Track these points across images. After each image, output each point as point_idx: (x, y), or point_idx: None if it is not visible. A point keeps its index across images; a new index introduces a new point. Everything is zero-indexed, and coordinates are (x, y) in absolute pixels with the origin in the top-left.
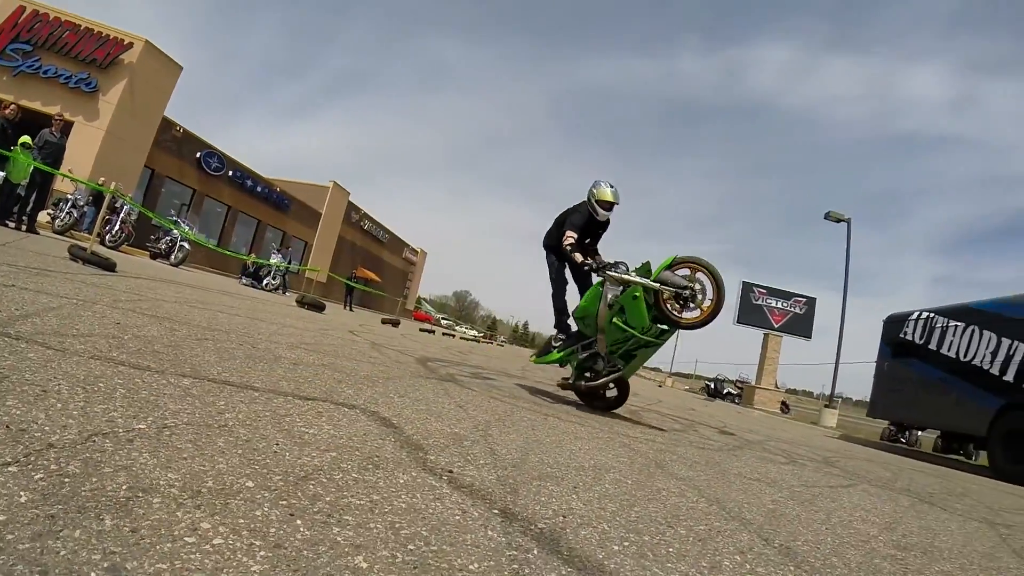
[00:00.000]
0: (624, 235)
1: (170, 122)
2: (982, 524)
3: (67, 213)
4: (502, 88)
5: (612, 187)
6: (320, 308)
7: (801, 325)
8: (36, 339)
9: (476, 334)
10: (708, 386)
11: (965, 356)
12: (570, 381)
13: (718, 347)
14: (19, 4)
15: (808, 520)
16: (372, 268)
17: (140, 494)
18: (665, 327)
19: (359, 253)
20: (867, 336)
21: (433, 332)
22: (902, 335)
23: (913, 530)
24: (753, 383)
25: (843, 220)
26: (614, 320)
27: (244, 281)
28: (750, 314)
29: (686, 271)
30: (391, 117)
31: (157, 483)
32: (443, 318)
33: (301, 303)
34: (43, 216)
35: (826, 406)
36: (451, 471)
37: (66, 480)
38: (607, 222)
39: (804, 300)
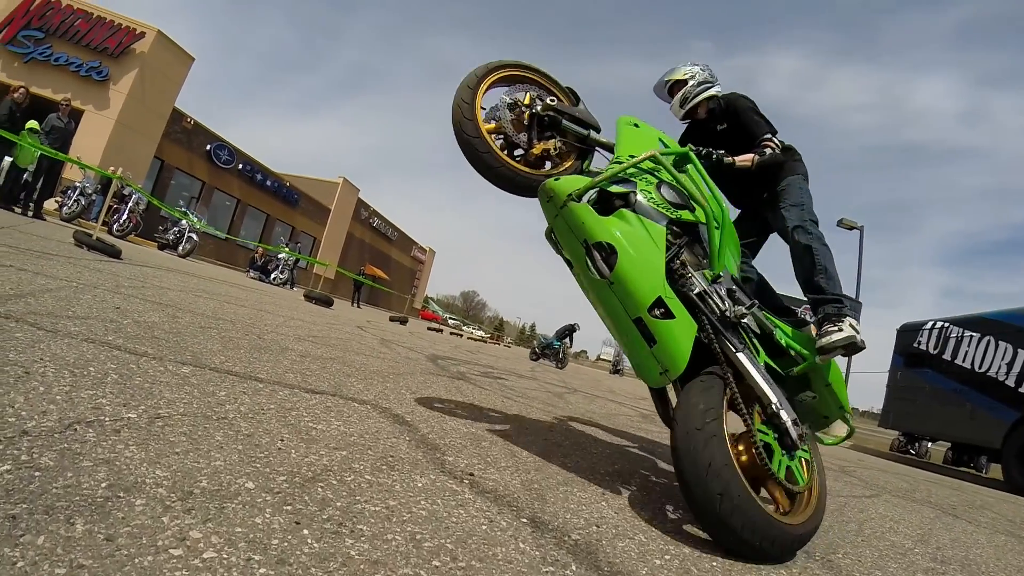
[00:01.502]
0: None
1: (180, 113)
2: (1009, 538)
3: (75, 201)
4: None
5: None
6: (328, 303)
7: None
8: (27, 319)
9: (483, 334)
10: None
11: (980, 367)
12: None
13: None
14: None
15: (842, 531)
16: (380, 266)
17: (121, 494)
18: None
19: (368, 250)
20: (874, 346)
21: (441, 331)
22: (916, 345)
23: (946, 543)
24: None
25: (855, 228)
26: None
27: (252, 274)
28: None
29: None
30: (400, 115)
31: (142, 481)
32: (450, 317)
33: (309, 297)
34: (51, 203)
35: None
36: (472, 474)
37: (36, 474)
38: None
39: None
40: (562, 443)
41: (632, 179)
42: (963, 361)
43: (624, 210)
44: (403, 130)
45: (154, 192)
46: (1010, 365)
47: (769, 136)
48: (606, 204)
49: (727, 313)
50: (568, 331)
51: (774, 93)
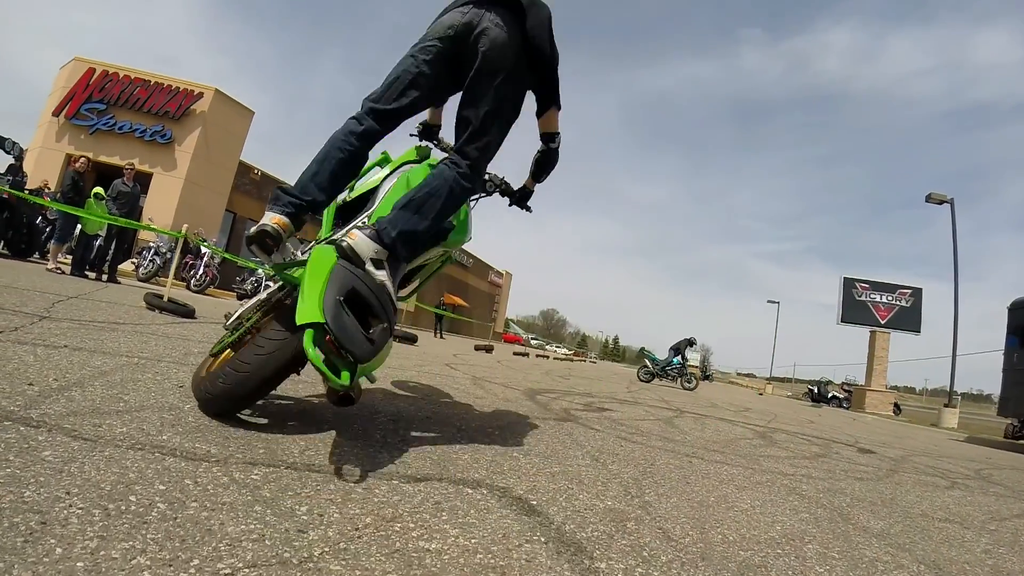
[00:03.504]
0: (702, 238)
1: (247, 166)
2: None
3: (150, 261)
4: (569, 103)
5: None
6: (412, 340)
7: (909, 318)
8: (63, 424)
9: (567, 352)
10: (811, 391)
11: None
12: None
13: (816, 350)
14: (88, 66)
15: None
16: (459, 294)
17: None
18: None
19: (444, 280)
20: (964, 324)
21: (527, 355)
22: None
23: None
24: (863, 385)
25: (945, 201)
26: None
27: None
28: (854, 311)
29: None
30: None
31: None
32: (532, 338)
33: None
34: (127, 265)
35: (945, 405)
36: None
37: None
38: None
39: (910, 291)
40: (706, 499)
41: None
42: None
43: None
44: None
45: (230, 243)
46: None
47: None
48: None
49: None
50: (687, 344)
51: (831, 71)
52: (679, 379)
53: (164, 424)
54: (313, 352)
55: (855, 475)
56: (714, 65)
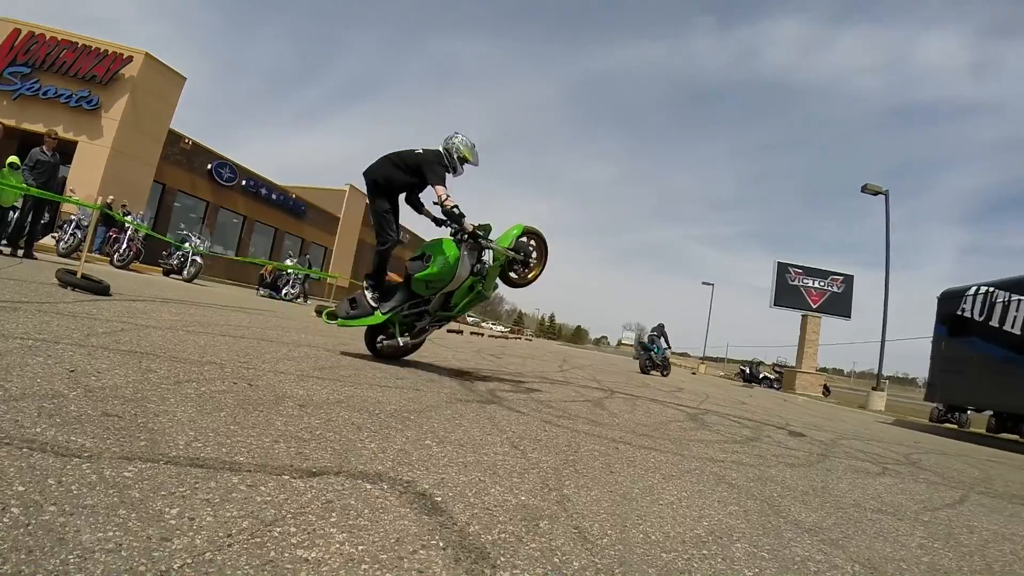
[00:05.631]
0: (641, 220)
1: (178, 135)
2: None
3: (71, 235)
4: (513, 84)
5: (474, 146)
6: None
7: (840, 304)
8: None
9: (503, 329)
10: (743, 371)
11: None
12: (385, 342)
13: (748, 330)
14: (14, 27)
15: (972, 573)
16: (396, 269)
17: None
18: (512, 287)
19: None
20: (894, 311)
21: (461, 332)
22: (960, 312)
23: None
24: (794, 366)
25: (880, 192)
26: (473, 284)
27: (262, 292)
28: (787, 295)
29: (528, 239)
30: (404, 118)
31: None
32: (468, 315)
33: (320, 314)
34: (48, 240)
35: (873, 388)
36: None
37: None
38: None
39: (842, 278)
40: (630, 492)
41: None
42: (1013, 327)
43: None
44: (409, 132)
45: (158, 216)
46: None
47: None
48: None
49: None
50: (661, 332)
51: (778, 62)
52: (661, 369)
53: (42, 414)
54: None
55: (786, 460)
56: (663, 48)
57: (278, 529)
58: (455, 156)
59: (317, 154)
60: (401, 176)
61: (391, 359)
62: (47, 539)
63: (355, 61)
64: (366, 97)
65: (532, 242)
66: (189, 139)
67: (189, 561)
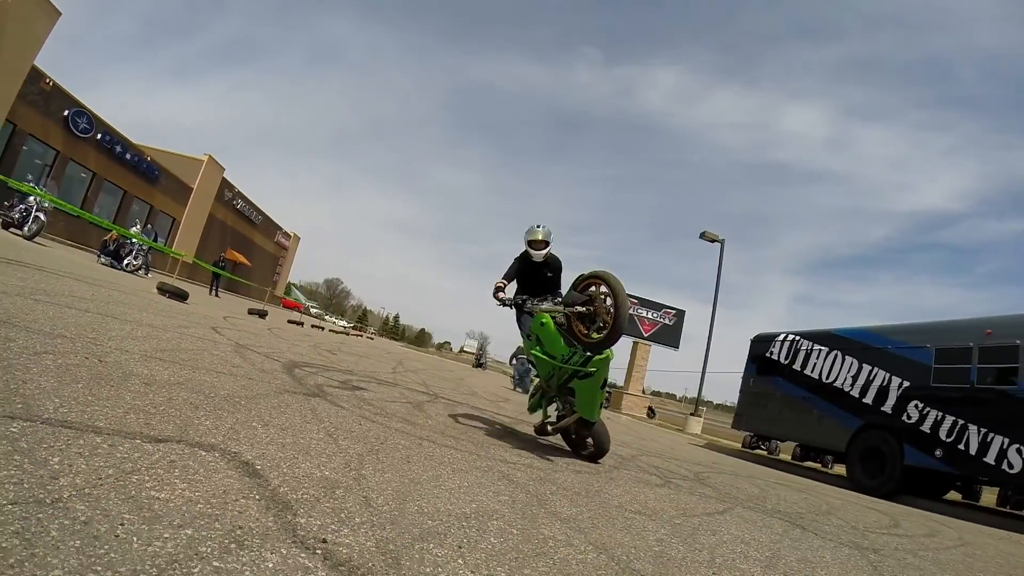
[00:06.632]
0: (497, 231)
1: (40, 73)
2: (853, 550)
3: None
4: (392, 76)
5: (540, 226)
6: (183, 297)
7: (670, 335)
8: None
9: (346, 325)
10: None
11: (828, 378)
12: (544, 425)
13: None
14: None
15: (695, 563)
16: (242, 250)
17: None
18: (591, 353)
19: (230, 233)
20: (728, 345)
21: (302, 324)
22: (768, 354)
23: (793, 565)
24: (621, 387)
25: (717, 241)
26: (534, 351)
27: (103, 260)
28: None
29: (590, 287)
30: (274, 94)
31: None
32: (312, 306)
33: (163, 291)
34: None
35: (691, 414)
36: (324, 540)
37: None
38: (547, 262)
39: (674, 312)
40: (420, 478)
41: None
42: (812, 372)
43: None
44: (276, 108)
45: (3, 160)
46: (855, 377)
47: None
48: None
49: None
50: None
51: (653, 105)
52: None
53: None
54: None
55: (575, 468)
56: (546, 70)
57: (135, 477)
58: (525, 244)
59: (180, 115)
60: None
61: (575, 449)
62: None
63: (237, 21)
64: (240, 64)
65: (601, 289)
66: (50, 79)
67: (74, 494)
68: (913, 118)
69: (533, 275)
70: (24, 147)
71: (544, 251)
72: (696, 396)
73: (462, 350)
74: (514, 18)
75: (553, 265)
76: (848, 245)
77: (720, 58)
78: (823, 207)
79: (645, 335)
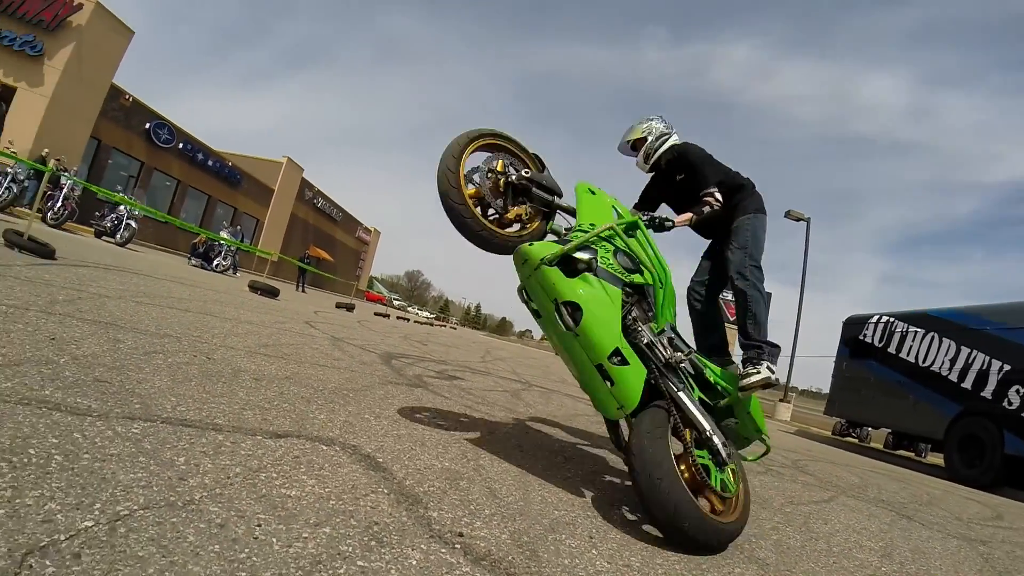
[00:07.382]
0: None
1: (119, 90)
2: (962, 542)
3: (5, 188)
4: (461, 68)
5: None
6: (274, 294)
7: None
8: None
9: (428, 315)
10: None
11: (924, 361)
12: None
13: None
14: None
15: (814, 553)
16: (325, 247)
17: None
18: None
19: (312, 231)
20: (813, 328)
21: (388, 316)
22: (861, 337)
23: (908, 556)
24: None
25: (803, 219)
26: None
27: (193, 262)
28: None
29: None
30: (346, 93)
31: None
32: (395, 298)
33: (254, 288)
34: None
35: (780, 400)
36: (461, 534)
37: None
38: (648, 170)
39: None
40: (533, 466)
41: (593, 247)
42: (907, 355)
43: (588, 274)
44: (350, 107)
45: (91, 174)
46: (953, 361)
47: (710, 192)
48: (570, 266)
49: (669, 359)
50: None
51: (725, 82)
52: None
53: (44, 379)
54: None
55: None
56: (614, 52)
57: (263, 475)
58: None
59: (256, 120)
60: None
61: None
62: (92, 479)
63: (304, 25)
64: (309, 66)
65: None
66: (130, 95)
67: (206, 495)
68: (997, 82)
69: (664, 194)
70: (110, 160)
71: (637, 154)
72: (785, 382)
73: (543, 338)
74: (574, 2)
75: (677, 163)
76: (935, 219)
77: (790, 28)
78: (907, 180)
79: (731, 319)
